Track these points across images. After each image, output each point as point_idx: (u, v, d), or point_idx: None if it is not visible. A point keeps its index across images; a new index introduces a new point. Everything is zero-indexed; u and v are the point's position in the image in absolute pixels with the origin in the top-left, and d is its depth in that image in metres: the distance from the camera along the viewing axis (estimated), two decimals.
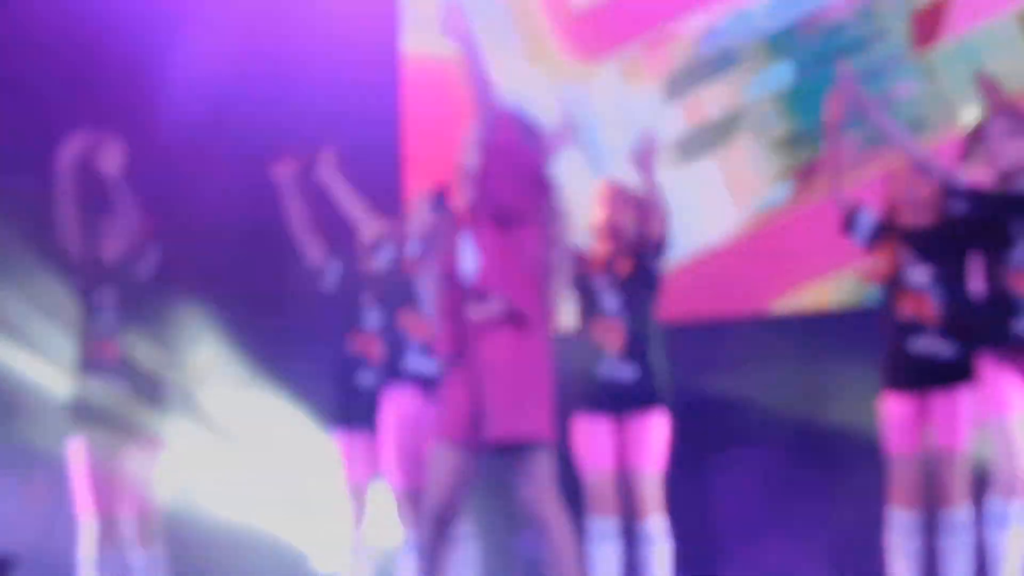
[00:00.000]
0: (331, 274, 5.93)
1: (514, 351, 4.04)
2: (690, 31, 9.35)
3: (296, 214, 6.03)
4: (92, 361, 5.71)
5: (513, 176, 4.15)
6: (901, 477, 5.04)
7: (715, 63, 9.39)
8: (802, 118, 9.05)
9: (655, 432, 5.39)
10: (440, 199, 4.37)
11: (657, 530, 5.38)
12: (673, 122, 9.03)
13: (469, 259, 4.12)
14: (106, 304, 5.79)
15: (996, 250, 4.77)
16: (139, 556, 5.61)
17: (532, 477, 3.99)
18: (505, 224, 4.11)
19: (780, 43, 9.41)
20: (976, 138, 5.08)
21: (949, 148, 6.21)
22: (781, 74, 9.37)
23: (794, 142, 9.04)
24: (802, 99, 9.09)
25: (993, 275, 4.77)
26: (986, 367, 4.70)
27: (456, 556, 4.89)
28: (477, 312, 4.05)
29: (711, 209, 8.91)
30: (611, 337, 5.44)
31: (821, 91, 8.33)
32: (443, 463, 4.06)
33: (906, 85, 8.88)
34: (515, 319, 4.04)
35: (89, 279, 5.84)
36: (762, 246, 8.30)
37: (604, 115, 9.48)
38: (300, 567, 8.32)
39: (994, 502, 4.64)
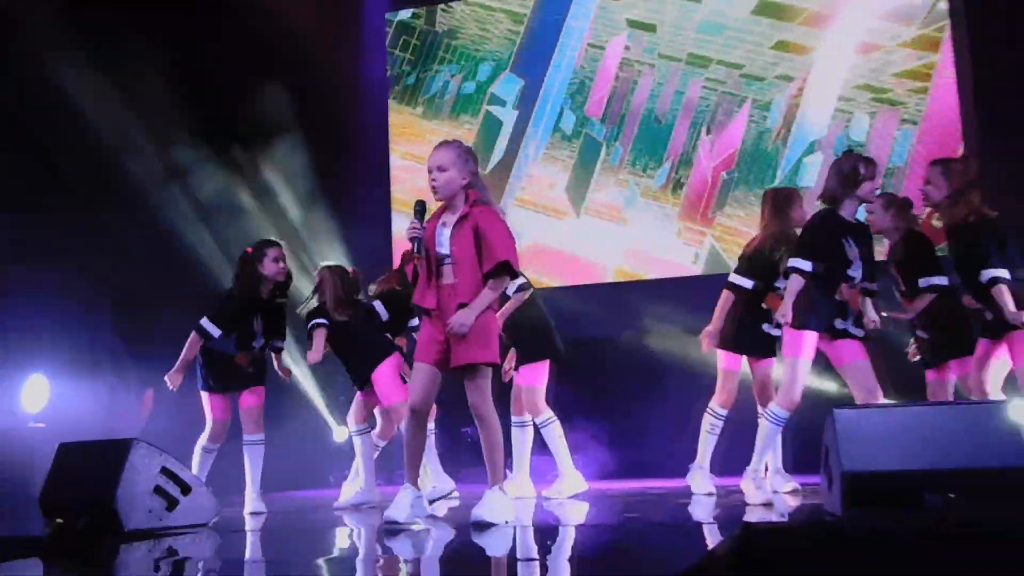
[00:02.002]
0: None
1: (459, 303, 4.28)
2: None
3: None
4: (235, 365, 6.09)
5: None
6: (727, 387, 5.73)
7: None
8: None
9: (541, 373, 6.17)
10: (419, 208, 4.40)
11: (546, 418, 6.12)
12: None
13: (443, 244, 4.35)
14: (257, 325, 6.13)
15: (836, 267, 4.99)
16: (251, 436, 6.12)
17: (477, 389, 4.29)
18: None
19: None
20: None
21: None
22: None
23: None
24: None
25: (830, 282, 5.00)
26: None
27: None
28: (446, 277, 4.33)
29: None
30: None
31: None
32: (421, 376, 4.35)
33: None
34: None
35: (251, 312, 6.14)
36: None
37: None
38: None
39: (773, 407, 5.09)
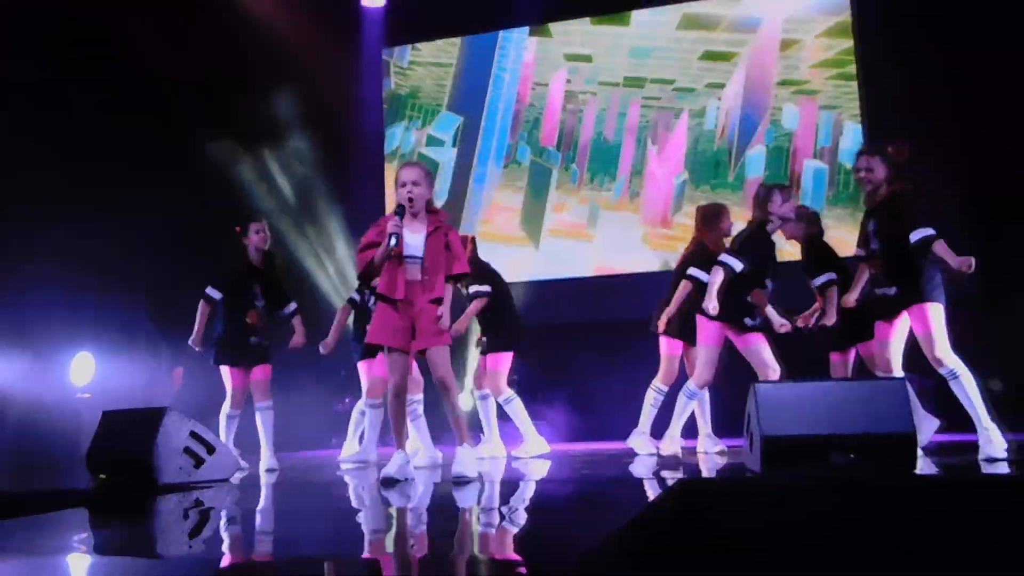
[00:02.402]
0: None
1: (431, 298, 4.39)
2: None
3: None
4: (248, 326, 6.08)
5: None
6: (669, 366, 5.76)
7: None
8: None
9: (505, 361, 6.20)
10: (401, 210, 4.38)
11: (507, 397, 6.17)
12: None
13: (415, 245, 4.40)
14: (256, 290, 6.15)
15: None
16: (262, 403, 6.13)
17: (440, 365, 4.38)
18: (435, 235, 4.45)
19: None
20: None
21: None
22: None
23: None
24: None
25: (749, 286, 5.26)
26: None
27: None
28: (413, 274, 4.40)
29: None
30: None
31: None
32: (399, 361, 4.42)
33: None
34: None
35: (249, 277, 6.17)
36: None
37: None
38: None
39: (689, 383, 5.31)
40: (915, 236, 4.63)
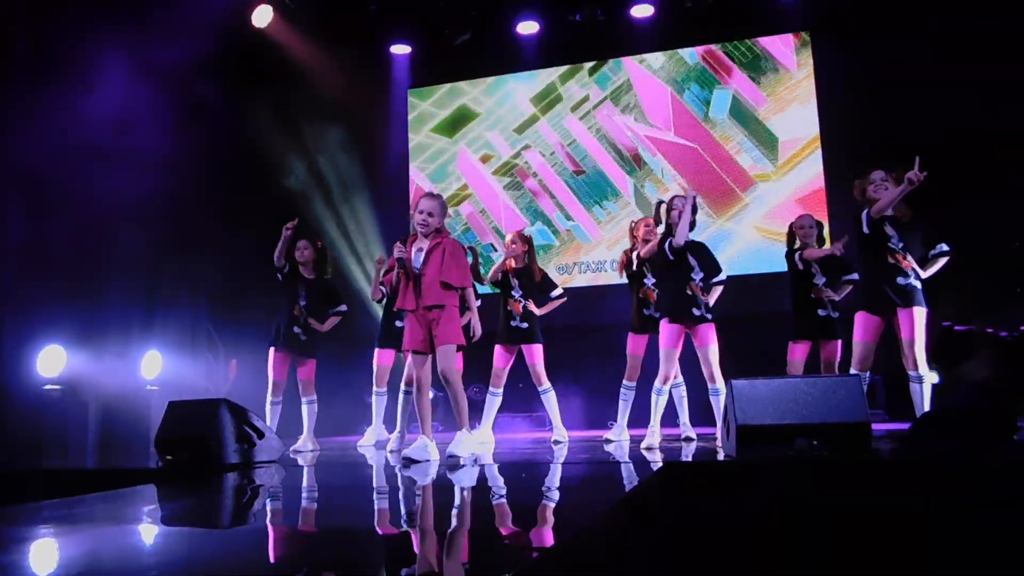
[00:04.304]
0: None
1: (426, 304, 4.39)
2: None
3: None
4: (293, 317, 6.00)
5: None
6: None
7: None
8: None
9: (538, 353, 5.83)
10: (405, 238, 4.52)
11: (547, 387, 5.85)
12: None
13: (419, 262, 4.45)
14: (301, 292, 6.07)
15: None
16: (307, 398, 6.05)
17: (442, 360, 4.37)
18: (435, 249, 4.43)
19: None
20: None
21: None
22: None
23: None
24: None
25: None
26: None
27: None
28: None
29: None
30: (516, 307, 5.84)
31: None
32: (421, 361, 4.43)
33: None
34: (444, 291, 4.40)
35: (293, 278, 6.08)
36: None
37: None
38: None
39: (656, 382, 5.14)
40: (940, 247, 4.62)
